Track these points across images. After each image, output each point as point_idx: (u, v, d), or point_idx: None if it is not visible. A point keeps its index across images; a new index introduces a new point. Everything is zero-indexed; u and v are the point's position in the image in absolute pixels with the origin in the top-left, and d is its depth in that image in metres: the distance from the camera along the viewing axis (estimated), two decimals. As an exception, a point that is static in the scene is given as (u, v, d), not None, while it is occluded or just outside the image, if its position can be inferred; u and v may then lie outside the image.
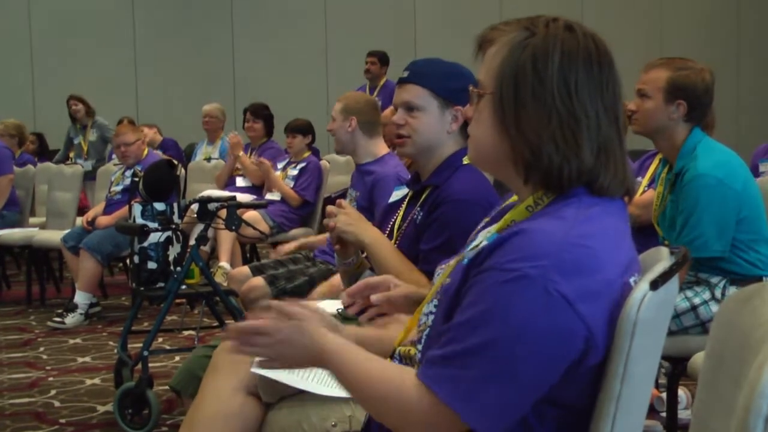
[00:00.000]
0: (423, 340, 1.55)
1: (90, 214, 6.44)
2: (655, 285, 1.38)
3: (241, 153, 6.92)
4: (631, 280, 1.43)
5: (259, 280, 4.01)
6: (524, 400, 1.37)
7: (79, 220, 6.69)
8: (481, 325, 1.35)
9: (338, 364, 1.48)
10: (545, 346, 1.34)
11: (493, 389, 1.34)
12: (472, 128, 1.56)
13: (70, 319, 6.04)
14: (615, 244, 1.44)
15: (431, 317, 1.54)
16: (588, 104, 1.45)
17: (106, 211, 6.34)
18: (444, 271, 1.62)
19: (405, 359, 1.66)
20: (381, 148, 4.02)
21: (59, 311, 6.13)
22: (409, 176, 3.72)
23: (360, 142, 3.97)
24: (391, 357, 1.72)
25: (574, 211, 1.43)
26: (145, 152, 6.46)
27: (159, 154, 7.02)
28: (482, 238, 1.59)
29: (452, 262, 1.60)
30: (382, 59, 9.06)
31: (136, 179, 4.50)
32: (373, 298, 1.91)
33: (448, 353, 1.37)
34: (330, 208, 2.70)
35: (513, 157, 1.48)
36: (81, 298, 6.10)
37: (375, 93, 8.61)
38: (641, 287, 1.38)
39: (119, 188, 6.39)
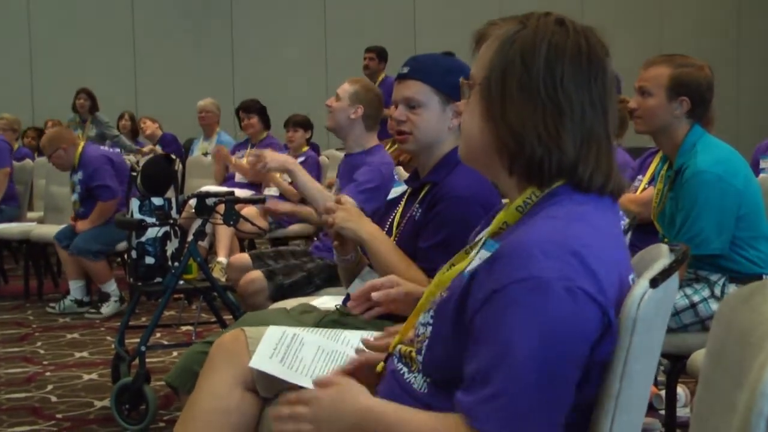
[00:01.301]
0: (423, 351, 1.55)
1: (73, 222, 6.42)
2: (654, 282, 1.38)
3: (233, 159, 6.88)
4: (630, 277, 1.44)
5: (257, 274, 4.00)
6: (567, 401, 1.37)
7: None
8: (515, 338, 1.32)
9: (386, 422, 1.44)
10: (577, 341, 1.34)
11: (539, 395, 1.32)
12: (463, 121, 1.56)
13: (106, 308, 6.13)
14: (610, 242, 1.44)
15: (429, 328, 1.53)
16: (574, 96, 1.46)
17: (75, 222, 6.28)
18: (438, 275, 1.62)
19: (405, 358, 1.65)
20: (372, 141, 4.01)
21: (95, 301, 6.25)
22: (393, 174, 3.74)
23: (356, 131, 3.96)
24: (390, 355, 1.71)
25: (566, 210, 1.43)
26: (78, 153, 6.20)
27: (103, 149, 6.89)
28: (478, 241, 1.59)
29: (446, 265, 1.60)
30: (381, 54, 9.05)
31: (134, 173, 4.48)
32: (374, 295, 1.95)
33: (492, 390, 1.33)
34: (329, 204, 2.69)
35: (497, 147, 1.49)
36: (107, 288, 6.19)
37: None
38: (641, 284, 1.38)
39: (75, 198, 6.29)
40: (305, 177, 3.63)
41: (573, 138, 1.46)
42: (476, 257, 1.50)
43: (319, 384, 1.53)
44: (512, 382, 1.32)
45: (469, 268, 1.48)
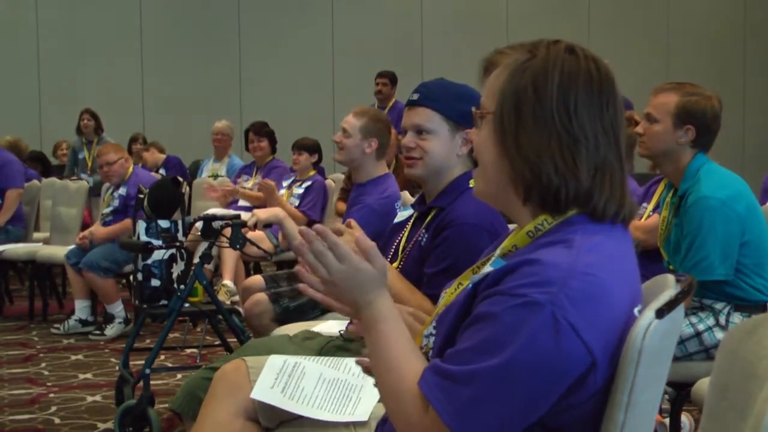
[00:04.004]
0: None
1: (85, 233, 6.46)
2: (660, 313, 1.38)
3: (240, 189, 6.89)
4: (636, 310, 1.44)
5: (261, 296, 3.99)
6: (519, 423, 1.38)
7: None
8: (487, 349, 1.36)
9: (375, 335, 1.49)
10: (547, 372, 1.35)
11: (489, 410, 1.35)
12: (477, 153, 1.56)
13: (110, 330, 6.14)
14: (621, 273, 1.44)
15: (432, 339, 1.54)
16: (587, 125, 1.46)
17: None
18: (446, 295, 1.62)
19: None
20: (382, 169, 3.99)
21: (99, 322, 6.26)
22: (393, 206, 3.73)
23: (368, 163, 3.92)
24: None
25: (580, 239, 1.43)
26: (130, 170, 6.46)
27: (152, 173, 7.04)
28: (486, 260, 1.59)
29: (454, 284, 1.60)
30: (393, 80, 9.10)
31: (141, 196, 4.49)
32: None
33: (452, 370, 1.38)
34: (338, 225, 2.70)
35: (513, 178, 1.49)
36: (113, 309, 6.20)
37: (384, 112, 8.63)
38: (647, 315, 1.38)
39: (109, 210, 6.42)
40: (294, 228, 3.52)
41: (588, 167, 1.46)
42: (482, 273, 1.51)
43: (362, 248, 1.51)
44: (468, 380, 1.36)
45: (474, 280, 1.49)
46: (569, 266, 1.37)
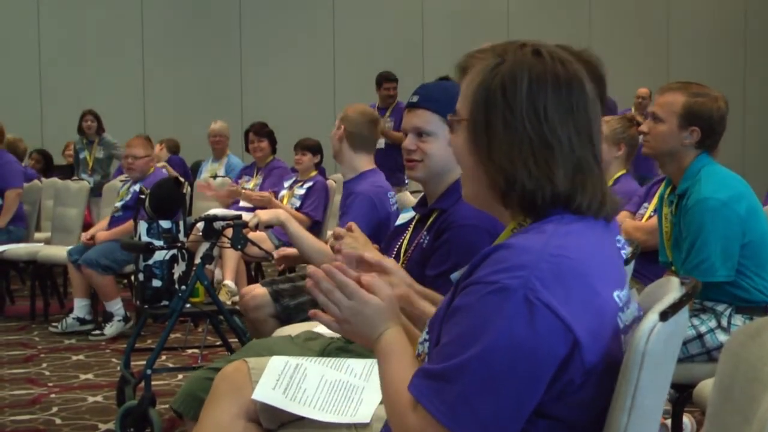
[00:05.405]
0: None
1: (91, 231, 6.47)
2: (664, 316, 1.37)
3: (244, 190, 6.88)
4: (615, 294, 1.44)
5: (260, 290, 3.99)
6: (514, 412, 1.37)
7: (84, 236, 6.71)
8: (466, 341, 1.37)
9: (382, 361, 1.54)
10: (529, 355, 1.35)
11: (480, 402, 1.36)
12: (456, 158, 1.57)
13: (110, 329, 6.14)
14: (595, 257, 1.44)
15: (426, 345, 1.55)
16: (559, 128, 1.46)
17: (108, 227, 6.39)
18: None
19: None
20: (364, 164, 3.98)
21: (99, 321, 6.27)
22: (387, 196, 3.74)
23: (345, 152, 3.95)
24: None
25: (554, 226, 1.44)
26: (151, 170, 6.49)
27: (167, 173, 7.05)
28: None
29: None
30: (397, 82, 9.14)
31: (143, 196, 4.49)
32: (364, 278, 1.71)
33: (437, 369, 1.39)
34: (337, 229, 2.70)
35: (489, 184, 1.50)
36: (112, 306, 6.19)
37: (387, 113, 8.62)
38: (650, 318, 1.37)
39: (120, 204, 6.43)
40: (298, 229, 3.42)
41: (564, 170, 1.46)
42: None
43: (366, 283, 1.56)
44: (454, 375, 1.37)
45: (455, 278, 1.51)
46: (540, 249, 1.38)
